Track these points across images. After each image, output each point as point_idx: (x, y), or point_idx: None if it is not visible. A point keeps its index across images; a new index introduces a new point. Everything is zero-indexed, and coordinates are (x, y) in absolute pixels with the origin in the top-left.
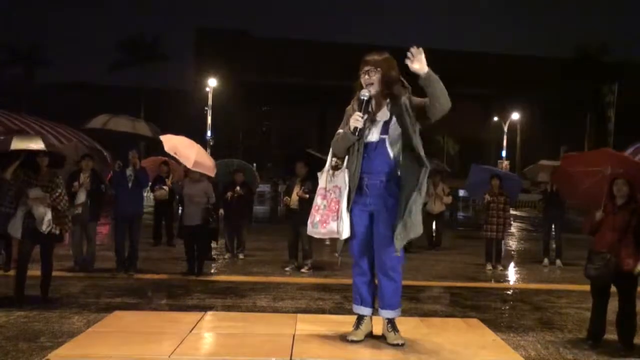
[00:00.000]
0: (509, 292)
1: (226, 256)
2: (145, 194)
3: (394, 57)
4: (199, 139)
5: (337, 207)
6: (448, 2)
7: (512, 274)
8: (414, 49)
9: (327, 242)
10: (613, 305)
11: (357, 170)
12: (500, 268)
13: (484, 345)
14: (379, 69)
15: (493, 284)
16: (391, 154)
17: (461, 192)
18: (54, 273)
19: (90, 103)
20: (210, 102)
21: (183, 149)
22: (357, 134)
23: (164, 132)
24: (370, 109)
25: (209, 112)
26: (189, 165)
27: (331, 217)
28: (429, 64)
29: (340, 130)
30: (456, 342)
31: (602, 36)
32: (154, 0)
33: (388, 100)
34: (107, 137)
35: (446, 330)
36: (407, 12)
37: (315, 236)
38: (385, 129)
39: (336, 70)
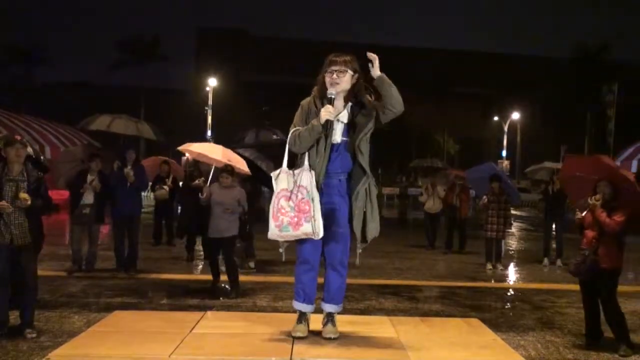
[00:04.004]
0: (509, 292)
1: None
2: (145, 194)
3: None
4: (199, 138)
5: (308, 207)
6: (448, 2)
7: (512, 273)
8: (371, 54)
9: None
10: None
11: (322, 170)
12: (501, 268)
13: (484, 345)
14: (346, 70)
15: (493, 284)
16: (350, 157)
17: None
18: (54, 273)
19: (90, 103)
20: (210, 102)
21: (233, 155)
22: (328, 127)
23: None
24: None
25: (209, 112)
26: (245, 169)
27: (304, 218)
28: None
29: (299, 128)
30: (456, 342)
31: (602, 36)
32: (154, 0)
33: (350, 102)
34: (107, 137)
35: (446, 330)
36: (408, 12)
37: (282, 239)
38: (346, 132)
39: None
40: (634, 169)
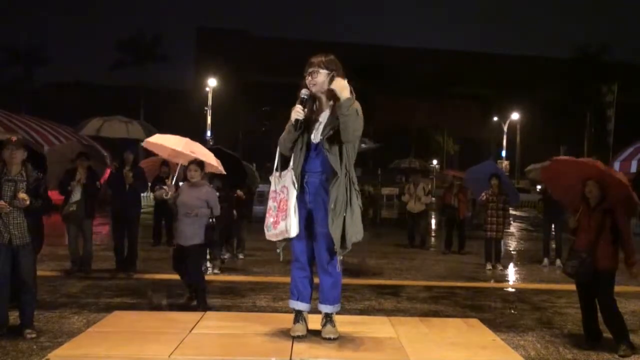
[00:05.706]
0: (509, 292)
1: (226, 256)
2: (145, 194)
3: (338, 60)
4: (199, 138)
5: (285, 206)
6: (448, 2)
7: (512, 274)
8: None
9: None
10: None
11: (298, 168)
12: (500, 268)
13: (484, 345)
14: (319, 70)
15: (493, 284)
16: (329, 156)
17: None
18: (54, 273)
19: (90, 103)
20: (210, 102)
21: (199, 149)
22: (298, 127)
23: (164, 133)
24: (314, 108)
25: (209, 112)
26: (220, 167)
27: (281, 216)
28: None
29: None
30: (456, 342)
31: (602, 36)
32: (154, 0)
33: (331, 102)
34: (105, 138)
35: (446, 330)
36: (408, 12)
37: (272, 239)
38: (325, 131)
39: None
40: (633, 169)
